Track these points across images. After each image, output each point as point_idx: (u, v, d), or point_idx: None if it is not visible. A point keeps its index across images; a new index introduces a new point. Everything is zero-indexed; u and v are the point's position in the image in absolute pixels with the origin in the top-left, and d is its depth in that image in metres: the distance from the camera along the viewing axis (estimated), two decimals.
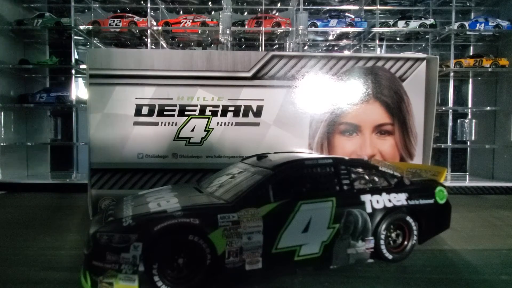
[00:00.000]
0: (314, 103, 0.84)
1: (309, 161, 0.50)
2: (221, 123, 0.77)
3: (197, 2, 2.60)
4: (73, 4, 2.38)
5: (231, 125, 0.77)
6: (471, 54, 2.78)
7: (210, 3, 2.61)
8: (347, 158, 0.54)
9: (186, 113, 0.76)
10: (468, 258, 0.55)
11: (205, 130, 0.77)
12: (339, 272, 0.49)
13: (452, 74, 2.44)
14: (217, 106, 0.76)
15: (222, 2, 2.42)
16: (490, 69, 2.44)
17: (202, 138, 0.77)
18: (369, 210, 0.49)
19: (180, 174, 0.78)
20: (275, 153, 0.59)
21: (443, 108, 2.35)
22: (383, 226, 0.48)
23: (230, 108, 0.76)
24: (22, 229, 0.73)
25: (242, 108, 0.76)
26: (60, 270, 0.51)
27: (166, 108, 0.77)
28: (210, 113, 0.76)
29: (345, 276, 0.47)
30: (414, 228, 0.52)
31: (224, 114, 0.75)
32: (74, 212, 0.92)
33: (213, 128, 0.77)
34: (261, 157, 0.55)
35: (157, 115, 0.75)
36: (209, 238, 0.41)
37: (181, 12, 2.71)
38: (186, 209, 0.43)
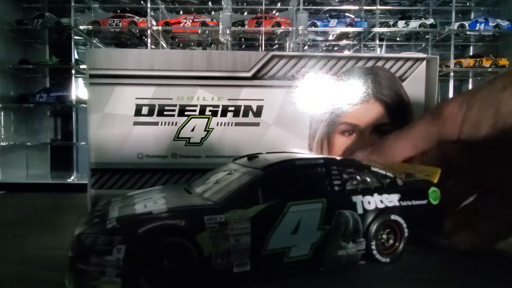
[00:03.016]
0: (314, 103, 0.84)
1: (299, 161, 0.49)
2: (221, 123, 0.77)
3: (197, 2, 2.60)
4: (73, 4, 2.38)
5: (231, 125, 0.78)
6: (471, 54, 2.78)
7: (210, 3, 2.62)
8: (338, 158, 0.53)
9: (186, 113, 0.76)
10: (469, 258, 0.55)
11: (205, 130, 0.77)
12: (341, 271, 0.49)
13: (452, 74, 2.45)
14: (217, 106, 0.76)
15: (222, 2, 2.42)
16: (490, 69, 2.45)
17: (202, 138, 0.77)
18: (360, 211, 0.48)
19: (180, 174, 0.78)
20: (267, 153, 0.59)
21: None
22: (374, 228, 0.48)
23: (230, 108, 0.76)
24: (22, 229, 0.73)
25: (242, 108, 0.76)
26: (59, 270, 0.51)
27: (166, 108, 0.77)
28: (210, 113, 0.76)
29: (347, 277, 0.47)
30: (406, 229, 0.51)
31: (224, 114, 0.76)
32: (73, 212, 0.92)
33: (213, 128, 0.77)
34: (252, 157, 0.54)
35: (157, 115, 0.76)
36: (195, 240, 0.40)
37: (181, 12, 2.71)
38: (172, 210, 0.42)
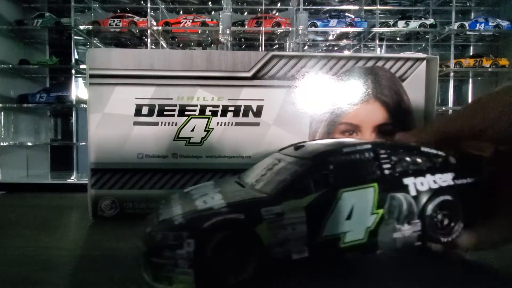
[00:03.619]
0: (314, 103, 0.84)
1: (347, 148, 0.50)
2: (221, 123, 0.77)
3: (197, 2, 2.60)
4: (73, 4, 2.38)
5: (231, 125, 0.78)
6: (471, 54, 2.78)
7: (210, 3, 2.62)
8: (386, 142, 0.53)
9: (186, 113, 0.76)
10: (471, 256, 0.54)
11: (205, 130, 0.78)
12: (342, 270, 0.49)
13: (452, 74, 2.45)
14: (217, 106, 0.76)
15: (222, 2, 2.43)
16: (490, 69, 2.45)
17: (202, 138, 0.77)
18: (413, 193, 0.48)
19: (180, 174, 0.78)
20: (312, 141, 0.59)
21: (443, 108, 2.36)
22: (430, 208, 0.47)
23: (230, 108, 0.76)
24: (22, 229, 0.73)
25: (242, 108, 0.76)
26: (60, 271, 0.51)
27: (166, 108, 0.77)
28: (210, 113, 0.76)
29: (347, 276, 0.47)
30: (462, 208, 0.50)
31: (224, 114, 0.76)
32: (73, 212, 0.92)
33: (213, 128, 0.77)
34: (298, 146, 0.55)
35: (157, 115, 0.75)
36: (255, 232, 0.42)
37: (181, 12, 2.72)
38: (231, 205, 0.44)
